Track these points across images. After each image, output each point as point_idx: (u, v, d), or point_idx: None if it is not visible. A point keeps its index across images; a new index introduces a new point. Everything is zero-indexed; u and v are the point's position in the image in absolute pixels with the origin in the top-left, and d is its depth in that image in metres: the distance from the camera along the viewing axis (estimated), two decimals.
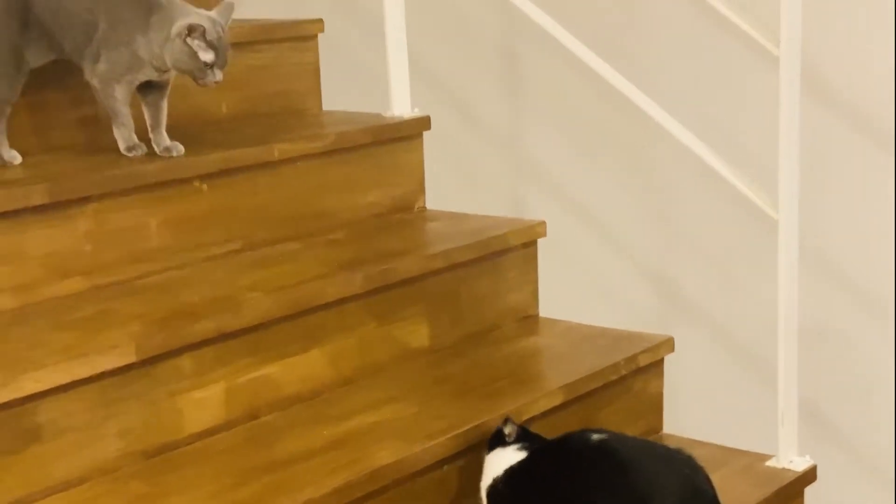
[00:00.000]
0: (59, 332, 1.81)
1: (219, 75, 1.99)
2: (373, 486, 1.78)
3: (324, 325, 2.02)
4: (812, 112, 2.37)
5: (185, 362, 1.84)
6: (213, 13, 2.00)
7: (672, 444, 2.18)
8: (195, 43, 1.95)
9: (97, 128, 2.16)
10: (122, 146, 2.08)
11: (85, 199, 1.96)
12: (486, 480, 1.82)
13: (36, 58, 2.05)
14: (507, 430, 1.82)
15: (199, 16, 1.98)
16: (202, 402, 1.87)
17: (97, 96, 2.06)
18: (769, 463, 2.11)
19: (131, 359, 1.76)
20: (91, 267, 1.98)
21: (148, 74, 2.04)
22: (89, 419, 1.74)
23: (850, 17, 2.39)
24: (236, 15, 2.74)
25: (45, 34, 2.03)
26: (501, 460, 1.81)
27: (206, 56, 1.96)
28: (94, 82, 2.04)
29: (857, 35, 2.39)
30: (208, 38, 1.95)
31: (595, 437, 1.78)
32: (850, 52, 2.40)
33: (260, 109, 2.46)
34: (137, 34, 1.99)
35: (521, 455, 1.80)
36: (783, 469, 2.10)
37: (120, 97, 2.04)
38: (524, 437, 1.82)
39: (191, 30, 1.95)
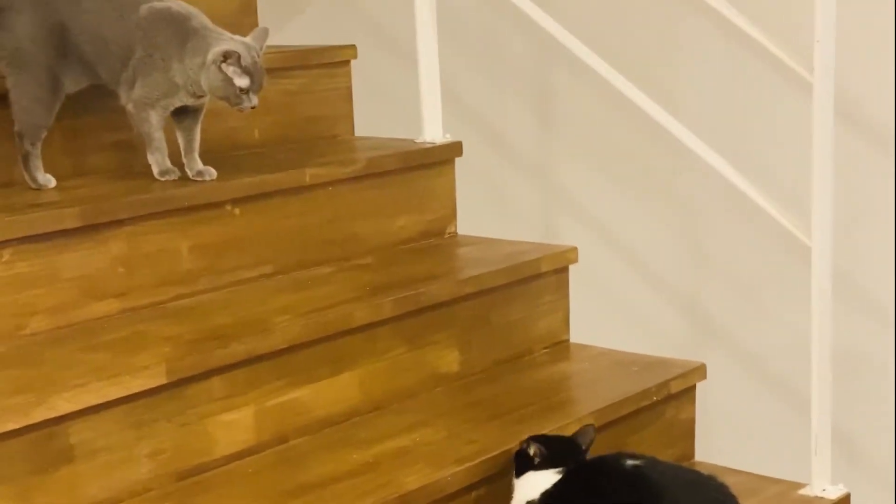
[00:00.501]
0: (91, 353, 1.83)
1: (254, 100, 2.00)
2: None
3: (354, 349, 2.02)
4: (845, 138, 2.36)
5: (216, 385, 1.85)
6: (248, 39, 2.02)
7: (704, 472, 2.17)
8: (231, 69, 1.96)
9: (130, 152, 2.19)
10: (155, 171, 2.10)
11: (118, 223, 1.98)
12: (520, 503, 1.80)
13: (72, 83, 2.07)
14: (532, 450, 1.80)
15: (234, 42, 1.99)
16: (232, 425, 1.87)
17: (131, 121, 2.08)
18: (802, 491, 2.09)
19: (162, 380, 1.77)
20: (124, 289, 1.99)
21: (183, 100, 2.05)
22: (121, 440, 1.75)
23: (882, 43, 2.38)
24: (270, 41, 2.78)
25: (82, 60, 2.05)
26: (536, 484, 1.79)
27: (242, 81, 1.97)
28: (129, 107, 2.05)
29: (889, 61, 2.38)
30: (243, 63, 1.97)
31: (630, 462, 1.77)
32: (883, 78, 2.39)
33: (292, 134, 2.48)
34: (174, 60, 2.00)
35: (556, 478, 1.78)
36: (816, 497, 2.07)
37: (154, 122, 2.05)
38: (552, 457, 1.80)
39: (226, 56, 1.96)
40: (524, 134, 2.88)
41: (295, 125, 2.48)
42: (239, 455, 1.88)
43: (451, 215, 2.47)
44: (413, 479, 1.81)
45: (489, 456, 1.87)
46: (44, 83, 2.03)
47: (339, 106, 2.56)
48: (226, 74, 1.97)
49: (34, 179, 2.06)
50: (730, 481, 2.11)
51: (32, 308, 1.90)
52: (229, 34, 2.03)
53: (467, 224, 2.50)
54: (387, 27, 2.92)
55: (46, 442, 1.68)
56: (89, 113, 2.18)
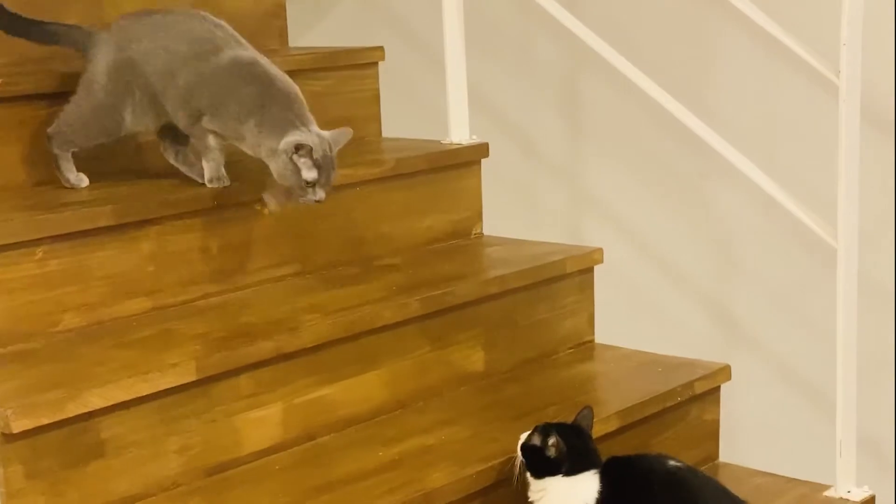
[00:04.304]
0: (122, 350, 1.85)
1: (320, 194, 1.93)
2: None
3: (380, 347, 2.04)
4: (874, 141, 2.35)
5: (244, 382, 1.87)
6: (326, 132, 1.95)
7: (728, 473, 2.18)
8: (301, 160, 1.90)
9: (156, 151, 2.21)
10: (206, 175, 2.06)
11: (149, 222, 2.01)
12: None
13: (135, 122, 2.06)
14: (552, 450, 1.77)
15: (309, 133, 1.92)
16: (260, 422, 1.89)
17: (192, 140, 2.06)
18: (827, 493, 2.09)
19: (191, 377, 1.79)
20: (154, 287, 2.02)
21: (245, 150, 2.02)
22: (151, 436, 1.78)
23: None
24: (299, 42, 2.80)
25: (150, 95, 2.03)
26: (574, 491, 1.77)
27: (309, 174, 1.90)
28: (194, 134, 2.03)
29: None
30: (314, 156, 1.90)
31: (672, 463, 1.79)
32: None
33: None
34: (251, 120, 1.94)
35: (596, 484, 1.77)
36: (841, 499, 2.07)
37: (212, 144, 2.03)
38: (574, 457, 1.78)
39: (298, 148, 1.89)
40: (552, 136, 2.89)
41: (323, 126, 2.49)
42: (266, 452, 1.90)
43: (478, 216, 2.48)
44: (437, 477, 1.82)
45: (514, 455, 1.88)
46: (100, 116, 2.04)
47: (367, 107, 2.58)
48: (295, 165, 1.90)
49: (66, 179, 2.09)
50: (754, 482, 2.13)
51: (64, 305, 1.92)
52: (307, 116, 1.95)
53: (494, 225, 2.51)
54: (414, 29, 2.93)
55: (78, 437, 1.70)
56: None
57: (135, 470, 1.76)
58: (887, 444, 2.49)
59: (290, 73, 2.39)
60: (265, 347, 1.88)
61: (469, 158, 2.45)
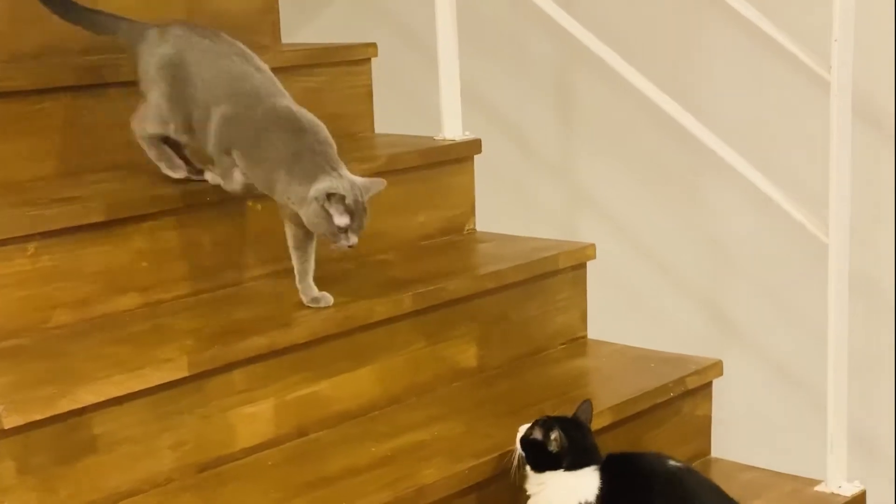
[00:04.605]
0: (114, 346, 1.85)
1: (353, 239, 1.89)
2: None
3: (373, 343, 2.04)
4: (867, 138, 2.36)
5: (237, 378, 1.87)
6: (358, 178, 1.91)
7: (720, 468, 2.18)
8: (332, 207, 1.86)
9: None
10: (304, 299, 2.01)
11: (141, 218, 2.01)
12: None
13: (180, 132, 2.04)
14: (553, 444, 1.78)
15: (340, 178, 1.88)
16: (253, 418, 1.89)
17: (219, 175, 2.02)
18: (818, 488, 2.10)
19: (184, 373, 1.79)
20: (146, 283, 2.02)
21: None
22: (143, 432, 1.77)
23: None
24: (292, 39, 2.80)
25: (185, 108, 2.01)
26: (574, 488, 1.77)
27: (341, 221, 1.87)
28: (220, 161, 1.99)
29: None
30: (346, 202, 1.87)
31: (672, 463, 1.79)
32: None
33: None
34: (281, 169, 1.91)
35: (596, 481, 1.77)
36: (832, 494, 2.08)
37: (238, 179, 1.98)
38: (576, 452, 1.78)
39: (329, 196, 1.86)
40: (545, 132, 2.90)
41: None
42: (259, 447, 1.90)
43: (471, 212, 2.49)
44: (430, 473, 1.82)
45: (506, 451, 1.88)
46: (171, 103, 2.02)
47: (360, 103, 2.58)
48: (326, 211, 1.86)
49: (167, 172, 2.09)
50: (745, 477, 2.14)
51: (56, 301, 1.92)
52: (338, 161, 1.92)
53: (487, 221, 2.52)
54: (408, 25, 2.93)
55: (70, 433, 1.70)
56: (113, 109, 2.21)
57: (127, 466, 1.76)
58: (878, 439, 2.50)
59: (283, 70, 2.40)
60: (258, 343, 1.89)
61: (462, 154, 2.46)
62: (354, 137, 2.54)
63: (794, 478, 2.13)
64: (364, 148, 2.47)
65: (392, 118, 2.65)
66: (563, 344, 2.34)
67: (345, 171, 1.91)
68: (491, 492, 1.89)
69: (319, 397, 1.98)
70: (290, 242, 1.99)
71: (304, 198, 1.88)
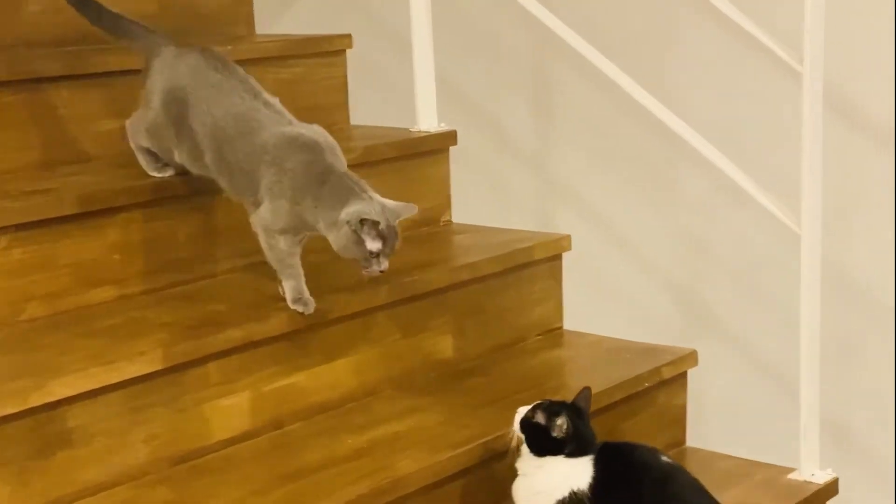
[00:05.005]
0: (88, 339, 1.84)
1: (384, 264, 1.84)
2: (396, 495, 1.79)
3: (349, 335, 2.04)
4: (839, 130, 2.37)
5: (212, 370, 1.87)
6: (388, 201, 1.86)
7: (695, 457, 2.20)
8: (364, 230, 1.81)
9: (127, 140, 2.19)
10: (288, 298, 1.93)
11: (114, 210, 2.00)
12: (550, 498, 1.77)
13: (180, 155, 2.00)
14: (558, 430, 1.77)
15: (371, 201, 1.83)
16: (228, 410, 1.89)
17: (261, 243, 1.94)
18: (791, 476, 2.11)
19: (158, 366, 1.79)
20: (120, 276, 2.01)
21: (309, 233, 1.92)
22: (118, 425, 1.77)
23: (876, 35, 2.40)
24: (267, 30, 2.79)
25: (196, 153, 1.96)
26: (570, 475, 1.77)
27: (374, 245, 1.82)
28: (257, 230, 1.92)
29: (884, 53, 2.40)
30: (379, 227, 1.82)
31: (664, 458, 1.81)
32: (878, 71, 2.40)
33: None
34: (307, 197, 1.85)
35: (590, 469, 1.77)
36: (805, 482, 2.10)
37: (284, 248, 1.91)
38: (580, 440, 1.78)
39: (363, 223, 1.81)
40: (520, 123, 2.90)
41: (291, 114, 2.49)
42: (235, 440, 1.90)
43: (446, 204, 2.49)
44: (407, 464, 1.83)
45: (483, 441, 1.89)
46: (156, 131, 2.00)
47: (335, 95, 2.57)
48: (358, 236, 1.81)
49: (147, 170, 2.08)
50: (720, 466, 2.15)
51: (29, 294, 1.91)
52: (365, 185, 1.86)
53: (464, 213, 2.52)
54: (382, 16, 2.93)
55: (44, 426, 1.69)
56: (87, 101, 2.20)
57: (102, 459, 1.75)
58: (851, 427, 2.52)
59: (258, 61, 2.40)
60: (233, 336, 1.88)
61: (437, 146, 2.46)
62: (330, 129, 2.48)
63: (768, 466, 2.14)
64: (339, 139, 2.44)
65: (368, 110, 2.64)
66: (539, 335, 2.34)
67: (374, 194, 1.85)
68: (469, 482, 1.89)
69: (295, 389, 1.98)
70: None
71: (333, 221, 1.82)
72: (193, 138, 1.95)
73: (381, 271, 1.85)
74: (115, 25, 2.06)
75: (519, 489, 1.81)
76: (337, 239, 1.84)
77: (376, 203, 1.84)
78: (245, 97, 1.94)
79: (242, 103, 1.93)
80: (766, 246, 2.55)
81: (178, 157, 2.00)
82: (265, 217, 1.89)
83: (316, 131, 1.93)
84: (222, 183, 1.96)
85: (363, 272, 1.86)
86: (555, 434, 1.77)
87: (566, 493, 1.76)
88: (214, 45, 2.08)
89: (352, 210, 1.82)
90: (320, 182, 1.85)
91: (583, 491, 1.76)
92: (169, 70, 1.98)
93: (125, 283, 2.01)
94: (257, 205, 1.91)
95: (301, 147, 1.88)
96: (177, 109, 1.96)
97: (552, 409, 1.78)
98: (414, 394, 2.08)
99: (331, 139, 1.93)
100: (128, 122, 2.07)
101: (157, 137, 2.02)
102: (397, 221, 1.85)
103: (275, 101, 1.97)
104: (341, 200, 1.83)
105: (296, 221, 1.88)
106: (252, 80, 1.98)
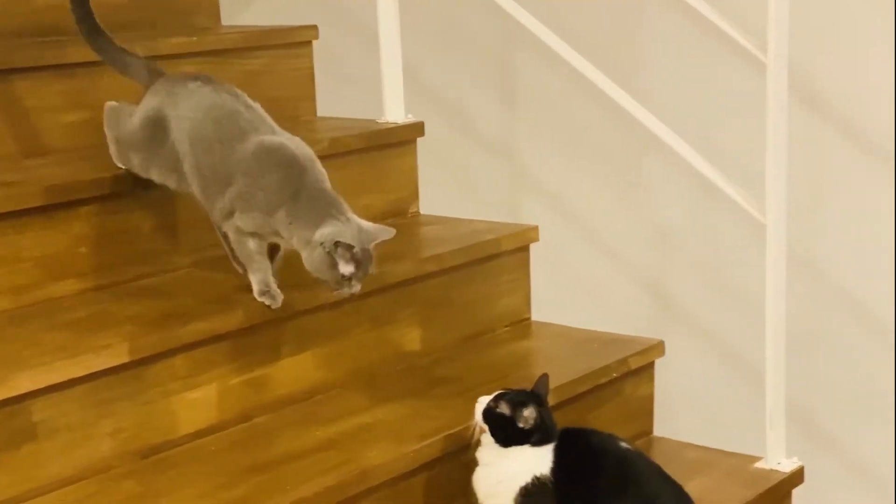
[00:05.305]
0: (53, 332, 1.83)
1: (356, 287, 1.81)
2: (364, 486, 1.79)
3: (317, 327, 2.04)
4: (806, 121, 2.39)
5: (178, 363, 1.86)
6: (366, 223, 1.82)
7: (662, 447, 2.21)
8: (338, 252, 1.78)
9: (91, 131, 2.18)
10: (255, 290, 1.92)
11: (80, 202, 1.98)
12: (513, 485, 1.78)
13: (159, 175, 1.96)
14: (524, 421, 1.77)
15: (347, 223, 1.80)
16: (195, 403, 1.88)
17: (228, 241, 1.94)
18: (758, 465, 2.13)
19: (124, 359, 1.78)
20: (85, 269, 2.00)
21: (279, 242, 1.90)
22: (83, 419, 1.76)
23: (843, 26, 2.41)
24: (232, 21, 2.77)
25: (172, 163, 1.92)
26: (533, 462, 1.78)
27: (346, 269, 1.79)
28: (228, 232, 1.91)
29: (850, 44, 2.41)
30: (353, 251, 1.78)
31: (623, 444, 1.83)
32: (845, 62, 2.42)
33: None
34: (281, 210, 1.81)
35: (550, 456, 1.78)
36: (771, 470, 2.11)
37: (253, 247, 1.89)
38: (545, 429, 1.79)
39: (337, 245, 1.78)
40: (487, 114, 2.90)
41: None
42: (202, 433, 1.89)
43: (414, 195, 2.49)
44: (375, 455, 1.83)
45: (451, 432, 1.89)
46: (132, 146, 1.97)
47: (301, 86, 2.56)
48: (332, 259, 1.78)
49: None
50: (687, 456, 2.16)
51: None
52: (343, 204, 1.82)
53: (431, 204, 2.52)
54: (348, 8, 2.92)
55: (9, 420, 1.68)
56: (51, 93, 2.18)
57: (67, 453, 1.74)
58: (816, 416, 2.54)
59: (224, 53, 2.38)
60: (199, 328, 1.87)
61: (405, 137, 2.45)
62: (297, 121, 2.53)
63: (735, 455, 2.16)
64: (306, 131, 2.44)
65: (334, 101, 2.64)
66: (507, 326, 2.35)
67: (352, 215, 1.81)
68: (437, 473, 1.90)
69: (263, 382, 1.97)
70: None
71: (308, 240, 1.79)
72: (173, 149, 1.91)
73: (352, 293, 1.82)
74: (112, 57, 2.00)
75: (480, 479, 1.81)
76: (310, 259, 1.80)
77: (353, 225, 1.80)
78: (224, 103, 1.90)
79: (220, 106, 1.89)
80: (732, 236, 2.56)
81: (157, 174, 1.95)
82: (236, 223, 1.87)
83: (298, 144, 1.90)
84: (194, 189, 1.91)
85: (332, 293, 1.83)
86: (521, 425, 1.77)
87: (529, 479, 1.77)
88: (180, 36, 2.06)
89: (326, 231, 1.78)
90: (295, 197, 1.82)
91: (545, 475, 1.77)
92: (155, 94, 1.93)
93: (90, 276, 2.00)
94: (229, 213, 1.87)
95: (279, 163, 1.84)
96: (156, 127, 1.91)
97: (517, 399, 1.79)
98: (381, 385, 2.08)
99: (309, 151, 1.89)
100: (107, 127, 2.01)
101: (132, 147, 1.98)
102: (372, 245, 1.82)
103: (254, 104, 1.94)
104: (316, 220, 1.79)
105: (268, 230, 1.86)
106: (259, 110, 1.93)
